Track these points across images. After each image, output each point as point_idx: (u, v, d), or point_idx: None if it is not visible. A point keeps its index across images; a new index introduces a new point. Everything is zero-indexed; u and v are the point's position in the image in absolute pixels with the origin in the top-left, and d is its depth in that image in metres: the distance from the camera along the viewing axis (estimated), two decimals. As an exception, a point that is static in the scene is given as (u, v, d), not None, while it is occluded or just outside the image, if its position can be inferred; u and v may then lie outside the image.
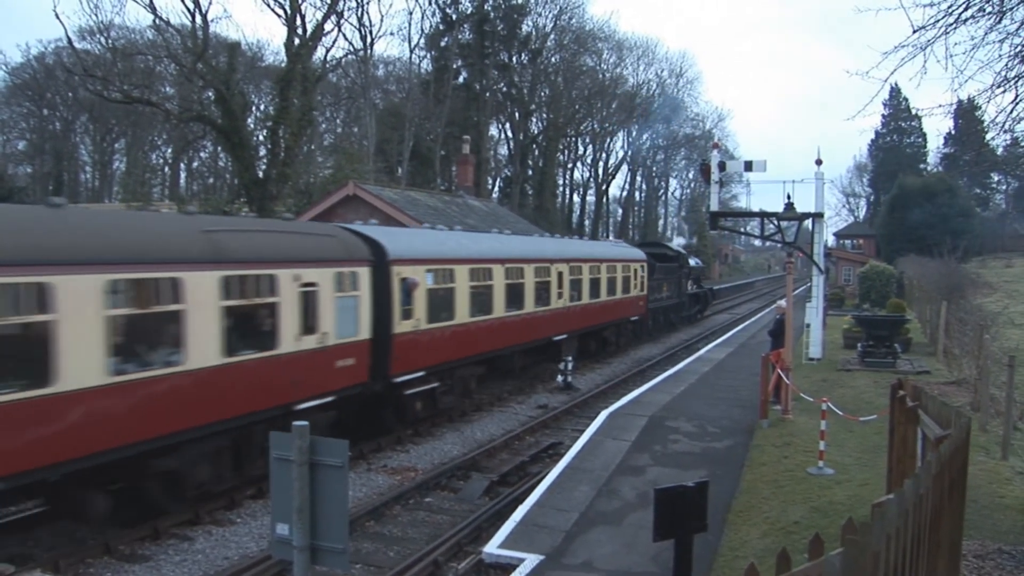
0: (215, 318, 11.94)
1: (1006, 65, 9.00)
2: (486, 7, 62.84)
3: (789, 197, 22.97)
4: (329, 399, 14.67)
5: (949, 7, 8.67)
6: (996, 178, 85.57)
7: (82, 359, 9.94)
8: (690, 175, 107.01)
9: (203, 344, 11.75)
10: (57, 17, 54.93)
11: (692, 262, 45.86)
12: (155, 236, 11.69)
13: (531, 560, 9.52)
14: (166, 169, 79.78)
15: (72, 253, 10.00)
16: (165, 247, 11.52)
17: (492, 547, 10.16)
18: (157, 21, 37.95)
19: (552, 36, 69.95)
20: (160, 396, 11.11)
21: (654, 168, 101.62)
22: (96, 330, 10.13)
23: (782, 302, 18.56)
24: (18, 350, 9.80)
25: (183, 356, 11.42)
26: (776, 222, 23.81)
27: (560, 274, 25.30)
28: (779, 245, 25.84)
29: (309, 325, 13.98)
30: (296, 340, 13.64)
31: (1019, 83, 9.01)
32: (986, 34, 8.86)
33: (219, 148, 63.72)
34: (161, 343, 11.32)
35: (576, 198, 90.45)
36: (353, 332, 15.29)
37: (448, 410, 19.30)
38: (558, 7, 68.35)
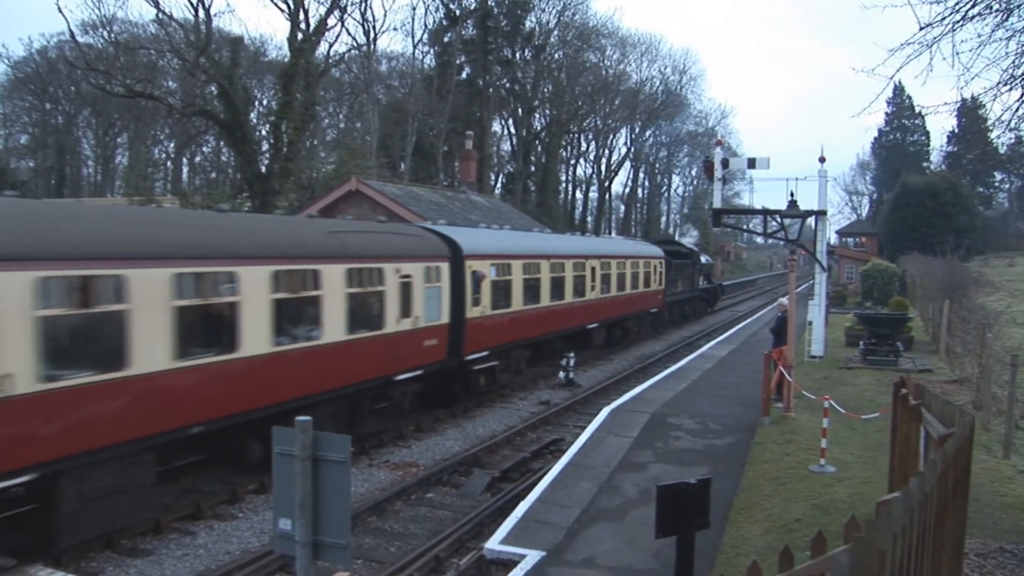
0: (342, 302, 14.79)
1: (1013, 63, 8.98)
2: (489, 3, 62.75)
3: (792, 195, 22.95)
4: (419, 372, 17.53)
5: (956, 4, 8.64)
6: (999, 177, 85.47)
7: (255, 334, 12.69)
8: (693, 172, 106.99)
9: (334, 323, 14.62)
10: (60, 11, 54.79)
11: (703, 259, 48.34)
12: (301, 236, 14.68)
13: (532, 556, 9.52)
14: (168, 164, 79.71)
15: (250, 251, 12.90)
16: (308, 245, 14.51)
17: (493, 543, 10.16)
18: (160, 15, 37.93)
19: (555, 32, 69.84)
20: (304, 365, 13.92)
21: (657, 165, 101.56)
22: (265, 311, 12.92)
23: (784, 299, 18.54)
24: (216, 325, 12.35)
25: (320, 332, 14.27)
26: (779, 219, 23.79)
27: (593, 269, 28.17)
28: (782, 243, 25.82)
29: (406, 310, 16.80)
30: (397, 322, 16.52)
31: (1025, 81, 8.98)
32: (993, 31, 8.83)
33: (221, 143, 63.68)
34: (305, 322, 14.08)
35: (579, 194, 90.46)
36: (436, 317, 18.16)
37: (503, 386, 22.23)
38: (562, 3, 68.26)
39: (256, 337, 12.72)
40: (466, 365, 19.66)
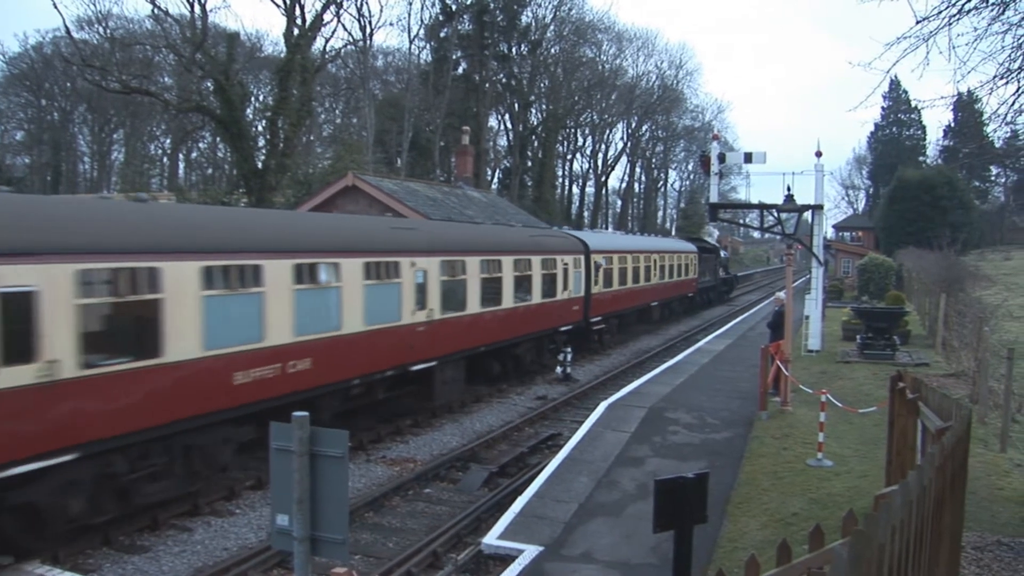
0: (541, 279, 23.73)
1: (1009, 56, 8.97)
2: (485, -2, 62.66)
3: (789, 189, 22.97)
4: (569, 327, 26.22)
5: (952, -2, 8.62)
6: (995, 171, 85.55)
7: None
8: (689, 167, 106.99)
9: (537, 293, 23.42)
10: (55, 6, 54.13)
11: (722, 254, 55.76)
12: (527, 240, 23.76)
13: (530, 551, 9.52)
14: (165, 159, 79.52)
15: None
16: (527, 244, 23.48)
17: (491, 538, 10.16)
18: (156, 11, 37.88)
19: (552, 27, 69.75)
20: (522, 318, 22.54)
21: (653, 160, 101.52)
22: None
23: (781, 294, 18.53)
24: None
25: (530, 297, 22.98)
26: (776, 214, 23.78)
27: (654, 261, 36.46)
28: (778, 237, 25.86)
29: (566, 286, 25.54)
30: (562, 293, 25.28)
31: (1021, 75, 8.97)
32: (989, 25, 8.83)
33: (218, 139, 63.53)
34: (525, 289, 22.54)
35: (575, 189, 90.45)
36: (578, 291, 26.77)
37: (608, 344, 31.01)
38: (558, -2, 68.18)
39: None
40: (590, 326, 28.04)
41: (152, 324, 10.89)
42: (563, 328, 25.53)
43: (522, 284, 22.28)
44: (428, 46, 64.47)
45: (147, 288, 10.81)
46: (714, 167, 24.08)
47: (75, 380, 9.78)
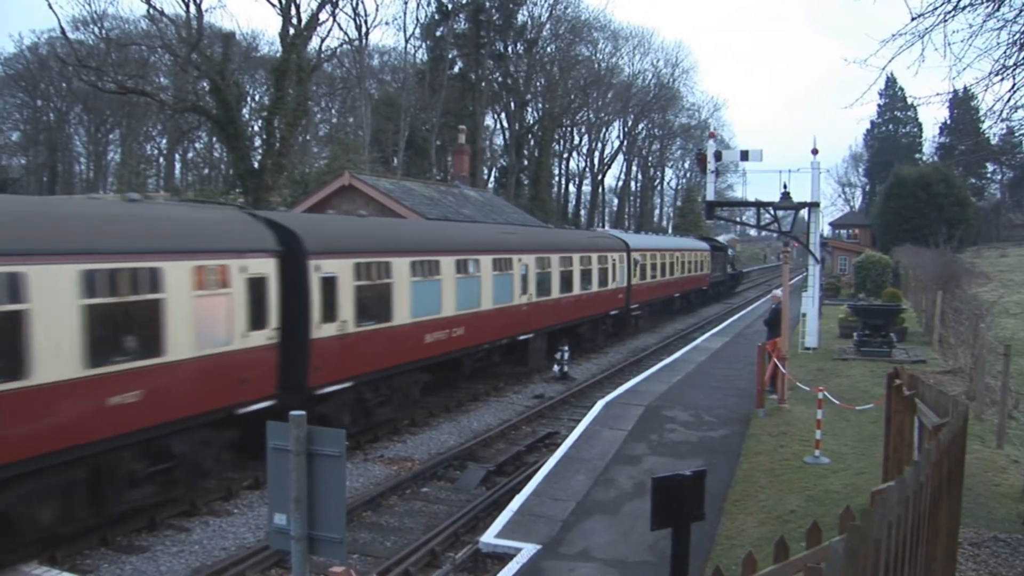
0: (598, 271, 28.72)
1: (1004, 53, 8.96)
2: (481, -4, 62.65)
3: (785, 187, 22.98)
4: (616, 312, 31.40)
5: (947, -6, 8.62)
6: (991, 168, 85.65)
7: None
8: (686, 165, 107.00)
9: (593, 284, 28.34)
10: (50, 6, 54.04)
11: (730, 252, 61.27)
12: (590, 243, 29.79)
13: (528, 549, 9.52)
14: (161, 160, 79.37)
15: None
16: (585, 244, 29.04)
17: (489, 537, 10.16)
18: (151, 11, 37.74)
19: (548, 26, 69.78)
20: (577, 304, 27.08)
21: (650, 158, 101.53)
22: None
23: (778, 291, 18.53)
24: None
25: (591, 287, 28.21)
26: (772, 212, 23.80)
27: (677, 257, 41.66)
28: (775, 235, 25.88)
29: (615, 278, 30.58)
30: (611, 284, 30.41)
31: (1017, 71, 8.97)
32: (984, 21, 8.82)
33: (214, 139, 63.50)
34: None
35: (572, 188, 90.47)
36: (622, 283, 31.78)
37: (642, 328, 36.36)
38: (553, -4, 68.17)
39: (576, 285, 26.67)
40: (629, 311, 33.16)
41: (387, 300, 16.18)
42: (612, 312, 30.94)
43: (585, 276, 27.64)
44: (424, 45, 64.53)
45: (385, 275, 16.18)
46: (710, 165, 24.06)
47: (356, 334, 15.22)
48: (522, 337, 22.96)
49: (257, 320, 12.77)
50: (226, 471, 13.37)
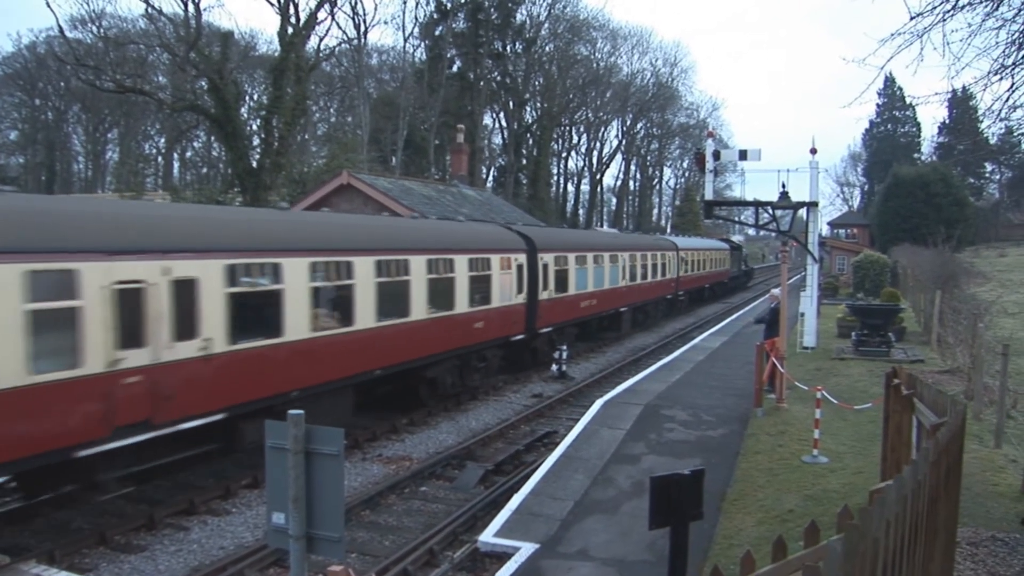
0: (654, 265, 37.22)
1: (1003, 52, 8.94)
2: (480, -4, 62.65)
3: (784, 186, 22.94)
4: (669, 296, 40.31)
5: (946, -7, 8.61)
6: (990, 167, 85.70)
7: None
8: (684, 164, 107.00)
9: (649, 275, 36.01)
10: (48, 6, 54.63)
11: (743, 251, 69.12)
12: (650, 244, 39.01)
13: (526, 549, 9.52)
14: (159, 159, 79.38)
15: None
16: (647, 244, 38.39)
17: (487, 536, 10.16)
18: (149, 10, 37.78)
19: (546, 25, 69.85)
20: (639, 290, 34.93)
21: (648, 157, 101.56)
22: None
23: (776, 290, 18.53)
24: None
25: (656, 277, 38.03)
26: (771, 211, 23.79)
27: (707, 255, 50.33)
28: (773, 234, 25.89)
29: (667, 270, 39.16)
30: (667, 275, 39.45)
31: (1016, 71, 8.96)
32: (983, 20, 8.80)
33: (212, 138, 63.52)
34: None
35: (570, 187, 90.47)
36: (673, 275, 40.08)
37: (686, 310, 46.00)
38: (552, -4, 68.19)
39: (648, 273, 35.94)
40: (677, 297, 42.18)
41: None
42: (667, 296, 40.16)
43: (654, 269, 36.81)
44: (423, 44, 64.53)
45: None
46: (709, 164, 24.03)
47: (555, 299, 24.86)
48: (622, 309, 32.52)
49: (519, 289, 22.30)
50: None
